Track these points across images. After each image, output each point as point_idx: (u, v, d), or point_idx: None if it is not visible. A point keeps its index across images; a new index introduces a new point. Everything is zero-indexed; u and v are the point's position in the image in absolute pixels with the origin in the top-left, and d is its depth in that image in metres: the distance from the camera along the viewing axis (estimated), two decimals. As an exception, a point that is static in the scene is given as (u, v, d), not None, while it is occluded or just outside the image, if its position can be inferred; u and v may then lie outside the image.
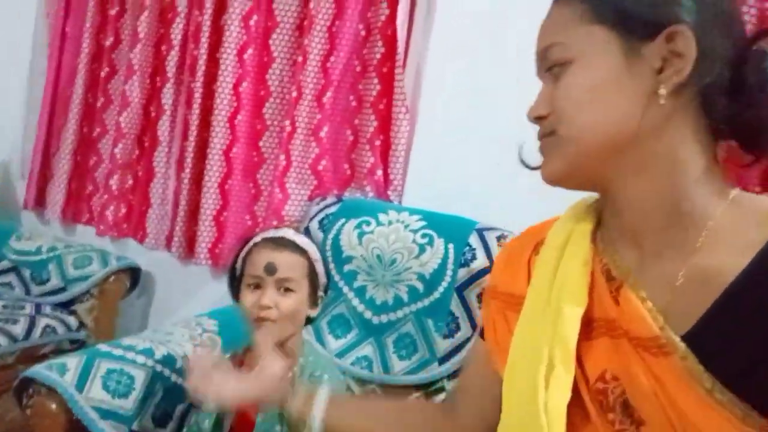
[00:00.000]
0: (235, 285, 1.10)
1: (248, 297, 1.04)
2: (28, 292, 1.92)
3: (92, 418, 1.11)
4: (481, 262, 1.39)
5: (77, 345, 1.87)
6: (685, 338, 0.53)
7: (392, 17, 1.63)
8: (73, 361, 1.17)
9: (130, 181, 2.08)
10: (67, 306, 1.91)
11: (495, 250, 1.40)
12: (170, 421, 1.24)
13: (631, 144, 0.57)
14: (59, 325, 1.82)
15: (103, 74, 2.08)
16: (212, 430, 1.06)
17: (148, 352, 1.26)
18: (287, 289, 1.04)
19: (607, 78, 0.57)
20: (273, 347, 0.95)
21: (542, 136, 0.63)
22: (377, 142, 1.67)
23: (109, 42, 2.06)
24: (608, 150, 0.58)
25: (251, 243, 1.08)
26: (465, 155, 1.58)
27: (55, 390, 1.12)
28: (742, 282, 0.51)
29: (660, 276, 0.57)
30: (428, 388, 1.41)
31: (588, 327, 0.61)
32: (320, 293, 1.12)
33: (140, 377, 1.20)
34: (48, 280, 1.92)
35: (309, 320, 1.11)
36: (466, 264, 1.41)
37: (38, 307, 1.84)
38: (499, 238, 1.43)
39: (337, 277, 1.52)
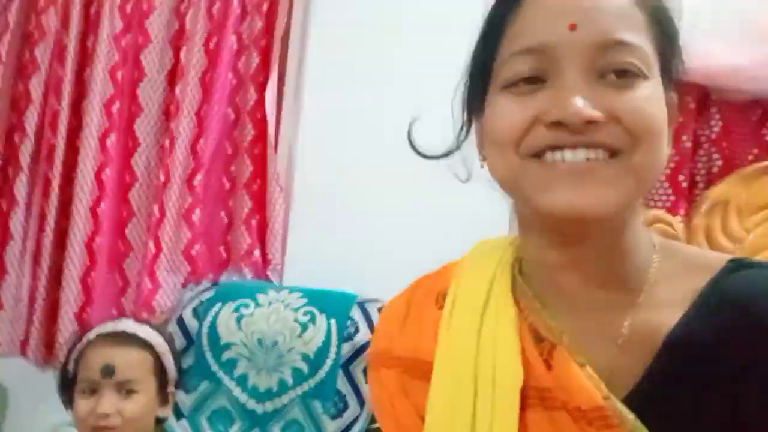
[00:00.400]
0: (68, 391, 0.98)
1: (82, 404, 0.93)
2: None
3: None
4: (363, 334, 1.38)
5: None
6: (627, 399, 0.49)
7: (260, 101, 1.66)
8: None
9: (-23, 283, 1.86)
10: None
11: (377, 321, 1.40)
12: None
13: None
14: None
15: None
16: None
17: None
18: (129, 391, 0.94)
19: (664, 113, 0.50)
20: None
21: (593, 147, 0.48)
22: (253, 222, 1.64)
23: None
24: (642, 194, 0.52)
25: (84, 341, 0.97)
26: (343, 228, 1.59)
27: None
28: (676, 336, 0.49)
29: (598, 336, 0.52)
30: (320, 477, 1.33)
31: (519, 395, 0.53)
32: (171, 389, 1.02)
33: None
34: None
35: (159, 421, 1.01)
36: (349, 338, 1.38)
37: None
38: (380, 309, 1.43)
39: (215, 367, 1.43)
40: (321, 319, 1.41)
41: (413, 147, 0.61)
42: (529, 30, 0.50)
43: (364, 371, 1.35)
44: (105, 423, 0.90)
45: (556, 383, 0.51)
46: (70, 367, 0.97)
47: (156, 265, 1.67)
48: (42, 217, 1.77)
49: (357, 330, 1.38)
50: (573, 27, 0.48)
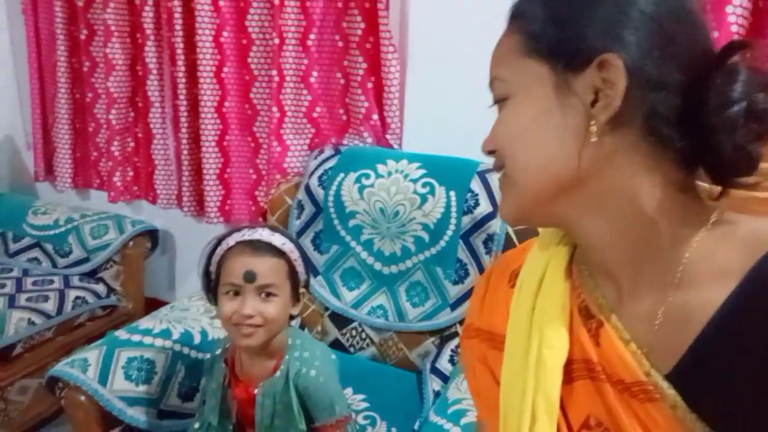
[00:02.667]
0: (212, 288, 1.06)
1: (228, 305, 1.01)
2: (54, 265, 1.99)
3: (120, 408, 1.18)
4: (483, 208, 1.37)
5: (109, 310, 1.96)
6: (670, 376, 0.51)
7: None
8: (93, 355, 1.22)
9: (132, 144, 2.06)
10: (93, 275, 1.98)
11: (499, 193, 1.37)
12: (196, 393, 1.31)
13: (576, 184, 0.52)
14: (89, 294, 1.89)
15: (82, 37, 2.00)
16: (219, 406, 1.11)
17: (166, 334, 1.30)
18: (269, 294, 1.01)
19: (539, 116, 0.53)
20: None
21: (497, 170, 0.59)
22: (369, 84, 1.59)
23: (81, 2, 1.97)
24: (553, 191, 0.53)
25: (224, 246, 1.04)
26: (461, 91, 1.50)
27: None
28: (722, 315, 0.47)
29: (639, 315, 0.53)
30: (442, 333, 1.44)
31: (567, 368, 0.57)
32: (301, 290, 1.09)
33: (160, 361, 1.26)
34: (70, 252, 1.97)
35: (291, 317, 1.10)
36: (469, 211, 1.38)
37: (66, 280, 1.91)
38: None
39: (342, 232, 1.52)
40: (440, 191, 1.41)
41: None
42: None
43: (485, 242, 1.37)
44: (249, 322, 1.00)
45: (602, 358, 0.55)
46: (213, 269, 1.06)
47: (282, 128, 1.72)
48: (174, 84, 1.85)
49: (477, 203, 1.37)
50: None
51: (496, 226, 1.35)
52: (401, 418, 1.27)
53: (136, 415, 1.20)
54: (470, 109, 1.52)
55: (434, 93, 1.55)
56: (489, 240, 1.36)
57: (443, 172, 1.43)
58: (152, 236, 2.07)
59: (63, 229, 2.00)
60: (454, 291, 1.42)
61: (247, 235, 1.03)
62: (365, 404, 1.32)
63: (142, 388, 1.22)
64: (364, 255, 1.51)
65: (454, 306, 1.42)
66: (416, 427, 1.26)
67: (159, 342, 1.28)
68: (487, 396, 0.67)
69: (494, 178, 1.40)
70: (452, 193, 1.40)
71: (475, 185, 1.39)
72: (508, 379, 0.62)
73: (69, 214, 2.05)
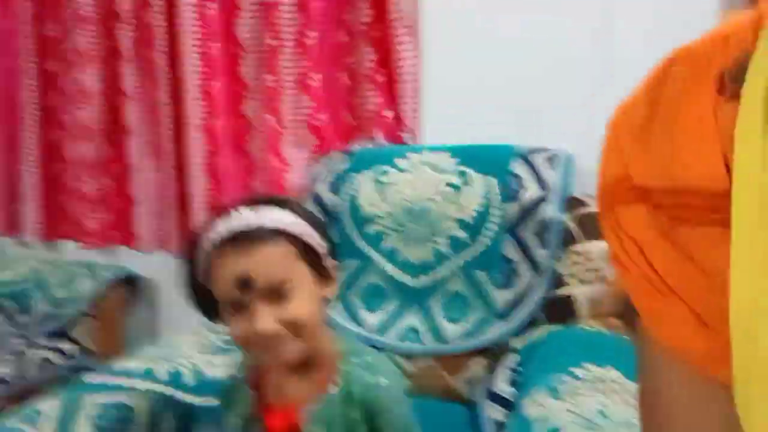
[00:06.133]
0: (207, 304, 0.79)
1: (236, 327, 0.75)
2: (14, 324, 1.69)
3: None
4: (533, 191, 1.15)
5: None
6: None
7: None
8: (49, 406, 0.93)
9: (108, 182, 1.83)
10: (63, 332, 1.68)
11: (548, 174, 1.16)
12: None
13: None
14: (57, 355, 1.60)
15: (50, 68, 1.81)
16: None
17: (148, 374, 1.02)
18: (281, 294, 0.74)
19: None
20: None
21: None
22: (380, 78, 1.41)
23: (50, 31, 1.80)
24: None
25: (203, 251, 0.76)
26: (484, 71, 1.33)
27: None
28: None
29: None
30: (493, 351, 1.18)
31: None
32: (327, 262, 0.81)
33: (141, 407, 0.97)
34: (34, 307, 1.69)
35: (327, 301, 0.83)
36: (513, 197, 1.16)
37: (29, 341, 1.61)
38: (550, 159, 1.18)
39: (360, 243, 1.28)
40: (477, 179, 1.19)
41: None
42: None
43: (537, 234, 1.14)
44: (272, 338, 0.73)
45: None
46: (200, 279, 0.78)
47: (279, 141, 1.52)
48: (153, 106, 1.65)
49: (523, 186, 1.16)
50: None
51: (549, 211, 1.13)
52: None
53: (112, 477, 0.91)
54: (496, 95, 1.36)
55: (455, 79, 1.38)
56: (543, 230, 1.14)
57: (477, 158, 1.22)
58: (133, 286, 1.80)
59: (26, 282, 1.72)
60: (502, 298, 1.17)
61: (224, 226, 0.74)
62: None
63: (117, 441, 0.93)
64: (387, 267, 1.27)
65: (504, 316, 1.17)
66: (481, 465, 0.98)
67: (140, 384, 1.00)
68: (689, 286, 0.39)
69: (540, 160, 1.19)
70: (492, 179, 1.18)
71: (518, 168, 1.18)
72: (753, 261, 0.33)
73: (37, 266, 1.78)
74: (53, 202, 1.92)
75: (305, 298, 0.76)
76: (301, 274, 0.76)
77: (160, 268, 1.82)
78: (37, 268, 1.76)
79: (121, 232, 1.82)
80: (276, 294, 0.73)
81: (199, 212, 1.63)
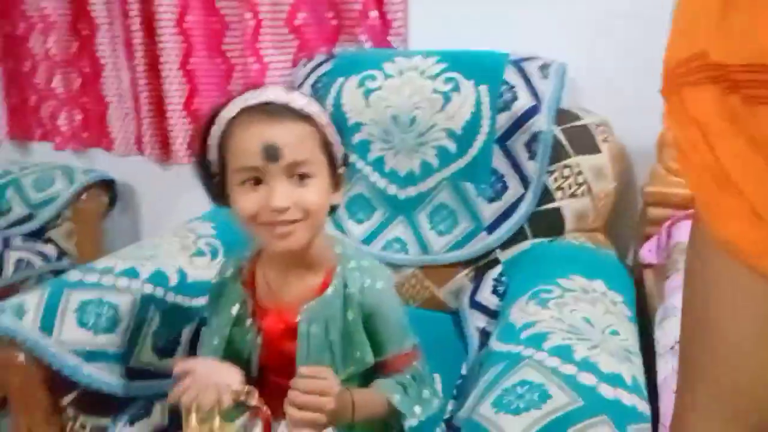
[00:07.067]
0: (215, 184, 0.76)
1: (248, 199, 0.71)
2: (-10, 226, 1.66)
3: (73, 365, 0.89)
4: (525, 101, 1.11)
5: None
6: None
7: None
8: (33, 298, 0.92)
9: (78, 81, 1.73)
10: (40, 235, 1.66)
11: (540, 83, 1.12)
12: (178, 347, 1.01)
13: None
14: (35, 257, 1.58)
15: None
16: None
17: (131, 273, 1.00)
18: (303, 176, 0.71)
19: None
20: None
21: None
22: (365, -25, 1.31)
23: None
24: None
25: (225, 116, 0.72)
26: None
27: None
28: None
29: None
30: (478, 263, 1.19)
31: None
32: (339, 171, 0.78)
33: (125, 304, 0.96)
34: (9, 209, 1.65)
35: (332, 209, 0.79)
36: (505, 107, 1.12)
37: (5, 241, 1.59)
38: (542, 68, 1.14)
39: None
40: (467, 86, 1.15)
41: None
42: None
43: (527, 145, 1.11)
44: (284, 218, 0.70)
45: None
46: (212, 155, 0.75)
47: (259, 41, 1.43)
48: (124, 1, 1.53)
49: (515, 97, 1.11)
50: None
51: (541, 122, 1.10)
52: (443, 365, 1.00)
53: (96, 373, 0.90)
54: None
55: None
56: (532, 141, 1.11)
57: (469, 65, 1.17)
58: (110, 190, 1.75)
59: (-2, 183, 1.67)
60: (489, 210, 1.16)
61: (253, 96, 0.72)
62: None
63: (102, 338, 0.92)
64: (373, 177, 1.24)
65: (492, 228, 1.16)
66: (464, 371, 1.01)
67: (123, 282, 0.98)
68: (743, 177, 0.38)
69: (533, 68, 1.14)
70: (483, 88, 1.14)
71: (511, 76, 1.14)
72: None
73: (6, 167, 1.72)
74: (21, 101, 1.83)
75: (321, 189, 0.73)
76: (320, 163, 0.74)
77: (135, 171, 1.77)
78: (10, 169, 1.70)
79: (95, 134, 1.75)
80: (295, 175, 0.71)
81: (174, 115, 1.56)
